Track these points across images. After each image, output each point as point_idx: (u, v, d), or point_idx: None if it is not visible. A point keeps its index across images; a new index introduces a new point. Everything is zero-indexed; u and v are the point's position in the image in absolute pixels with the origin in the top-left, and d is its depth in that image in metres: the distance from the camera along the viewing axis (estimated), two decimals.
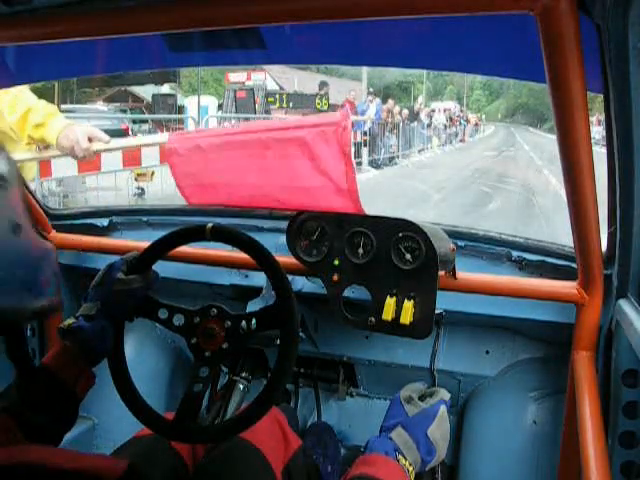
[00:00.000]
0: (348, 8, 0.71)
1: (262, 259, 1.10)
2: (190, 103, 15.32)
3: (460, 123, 24.67)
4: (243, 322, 1.10)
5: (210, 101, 16.25)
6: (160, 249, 1.16)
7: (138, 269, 1.11)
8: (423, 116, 17.62)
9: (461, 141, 23.74)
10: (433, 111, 20.11)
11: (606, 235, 1.07)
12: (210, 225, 1.12)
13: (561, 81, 0.71)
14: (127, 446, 1.15)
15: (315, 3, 0.71)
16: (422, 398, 1.09)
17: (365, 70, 22.60)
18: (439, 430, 1.01)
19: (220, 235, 1.12)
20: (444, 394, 1.09)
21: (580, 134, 0.79)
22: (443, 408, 1.04)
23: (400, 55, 1.01)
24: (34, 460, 0.53)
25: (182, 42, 0.99)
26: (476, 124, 30.83)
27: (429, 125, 18.13)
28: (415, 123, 16.31)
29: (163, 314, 1.13)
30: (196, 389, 1.09)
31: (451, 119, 22.56)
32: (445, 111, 22.76)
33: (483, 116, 39.95)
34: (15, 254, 0.55)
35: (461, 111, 28.22)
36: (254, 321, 1.10)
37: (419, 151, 16.62)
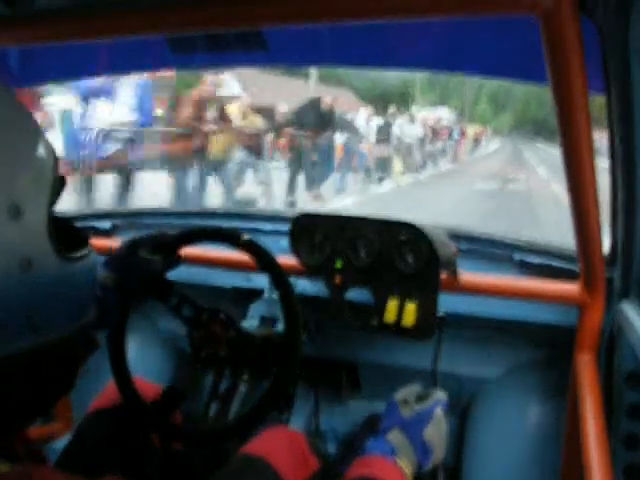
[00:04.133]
0: (349, 10, 0.71)
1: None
2: None
3: (451, 136, 18.23)
4: (245, 341, 1.11)
5: None
6: (192, 237, 1.15)
7: (163, 250, 1.10)
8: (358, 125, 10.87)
9: (454, 161, 17.76)
10: (387, 124, 11.42)
11: (608, 237, 1.06)
12: (247, 237, 1.10)
13: (563, 82, 0.71)
14: (91, 422, 1.12)
15: (316, 5, 0.72)
16: (419, 399, 1.09)
17: (359, 78, 20.73)
18: (435, 431, 1.00)
19: (250, 249, 1.10)
20: (440, 395, 1.09)
21: (582, 135, 0.79)
22: (439, 410, 1.04)
23: (401, 57, 1.02)
24: None
25: (184, 44, 0.99)
26: (476, 138, 25.20)
27: (382, 140, 10.88)
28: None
29: (174, 300, 1.13)
30: (180, 386, 1.10)
31: (433, 131, 15.44)
32: (430, 121, 15.84)
33: (488, 129, 38.19)
34: (23, 294, 0.50)
35: (458, 121, 22.53)
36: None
37: (380, 179, 10.95)
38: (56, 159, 0.57)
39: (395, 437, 0.97)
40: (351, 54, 1.04)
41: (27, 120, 0.55)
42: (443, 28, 0.87)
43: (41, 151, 0.55)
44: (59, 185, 0.57)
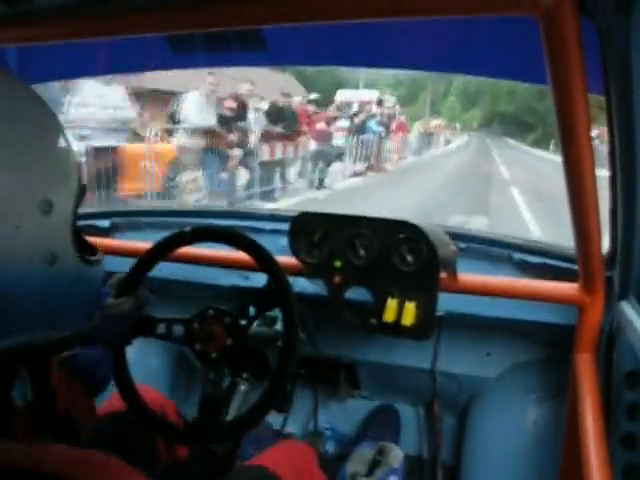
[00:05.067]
0: (349, 9, 0.71)
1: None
2: None
3: (365, 127, 10.90)
4: (242, 320, 1.10)
5: None
6: (145, 266, 1.15)
7: (127, 290, 1.09)
8: None
9: (370, 170, 11.23)
10: None
11: (607, 236, 1.07)
12: (189, 228, 1.12)
13: (563, 83, 0.71)
14: (101, 428, 1.12)
15: (316, 5, 0.72)
16: (372, 467, 1.06)
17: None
18: None
19: (201, 236, 1.13)
20: (393, 459, 1.05)
21: (581, 136, 0.79)
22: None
23: (401, 56, 1.02)
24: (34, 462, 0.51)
25: (184, 44, 0.99)
26: (430, 133, 19.08)
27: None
28: None
29: (161, 329, 1.13)
30: (210, 392, 1.10)
31: (280, 115, 7.95)
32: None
33: (457, 125, 35.96)
34: (46, 286, 0.52)
35: (378, 105, 12.65)
36: (252, 309, 1.10)
37: None
38: (79, 163, 0.58)
39: None
40: (351, 54, 1.04)
41: (53, 119, 0.56)
42: (443, 28, 0.87)
43: (67, 150, 0.56)
44: (82, 188, 0.59)
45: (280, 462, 1.06)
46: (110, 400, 1.17)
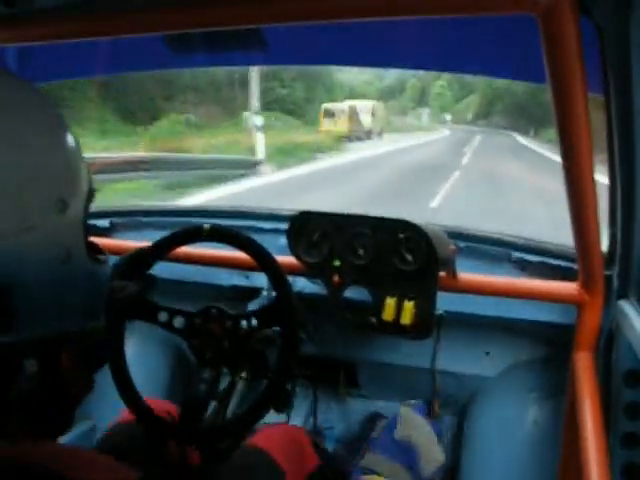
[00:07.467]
0: (349, 9, 0.71)
1: (262, 259, 1.10)
2: None
3: None
4: (243, 321, 1.10)
5: None
6: (161, 250, 1.16)
7: (133, 274, 1.10)
8: None
9: None
10: None
11: (607, 235, 1.07)
12: (207, 226, 1.12)
13: (562, 82, 0.71)
14: (113, 435, 1.14)
15: (316, 4, 0.72)
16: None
17: None
18: (409, 429, 0.97)
19: (218, 235, 1.12)
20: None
21: (580, 135, 0.79)
22: (403, 410, 1.01)
23: (401, 56, 1.02)
24: (42, 462, 0.52)
25: (184, 44, 0.99)
26: None
27: None
28: None
29: (163, 317, 1.13)
30: (199, 390, 1.10)
31: None
32: None
33: (448, 117, 32.35)
34: (57, 284, 0.53)
35: None
36: (254, 320, 1.10)
37: None
38: (87, 163, 0.59)
39: (367, 460, 0.95)
40: (351, 54, 1.04)
41: (59, 117, 0.56)
42: (443, 28, 0.87)
43: (75, 149, 0.57)
44: (92, 188, 0.59)
45: (273, 442, 1.07)
46: (120, 415, 1.17)
